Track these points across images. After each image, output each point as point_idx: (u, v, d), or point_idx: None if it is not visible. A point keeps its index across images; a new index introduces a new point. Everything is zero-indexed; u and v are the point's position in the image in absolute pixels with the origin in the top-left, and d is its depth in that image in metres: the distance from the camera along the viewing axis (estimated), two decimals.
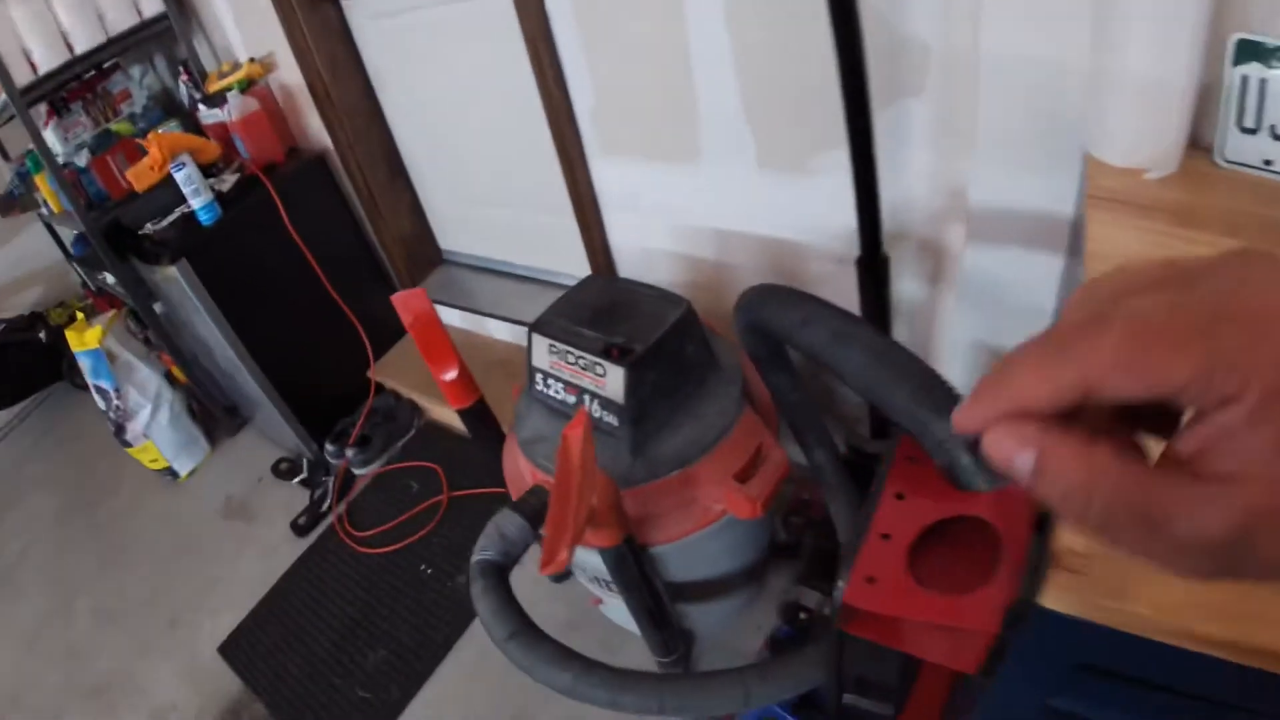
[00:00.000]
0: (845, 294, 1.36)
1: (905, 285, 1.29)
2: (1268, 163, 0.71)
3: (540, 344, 1.13)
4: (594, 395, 1.08)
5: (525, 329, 1.98)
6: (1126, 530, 0.21)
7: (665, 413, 1.10)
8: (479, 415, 1.27)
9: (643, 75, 1.25)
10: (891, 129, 1.12)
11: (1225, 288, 0.21)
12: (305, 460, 2.08)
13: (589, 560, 1.23)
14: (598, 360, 1.05)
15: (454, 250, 2.22)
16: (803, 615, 1.19)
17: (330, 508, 1.98)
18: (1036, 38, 0.91)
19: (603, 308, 1.14)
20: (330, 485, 2.02)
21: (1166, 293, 0.21)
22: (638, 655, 1.56)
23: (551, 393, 1.14)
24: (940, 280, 1.24)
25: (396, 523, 1.92)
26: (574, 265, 1.86)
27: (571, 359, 1.09)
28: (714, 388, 1.16)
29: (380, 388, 2.19)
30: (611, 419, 1.07)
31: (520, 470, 1.23)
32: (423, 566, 1.81)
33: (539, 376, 1.16)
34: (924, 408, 0.67)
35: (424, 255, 2.19)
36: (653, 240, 1.52)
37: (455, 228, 2.13)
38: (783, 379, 1.19)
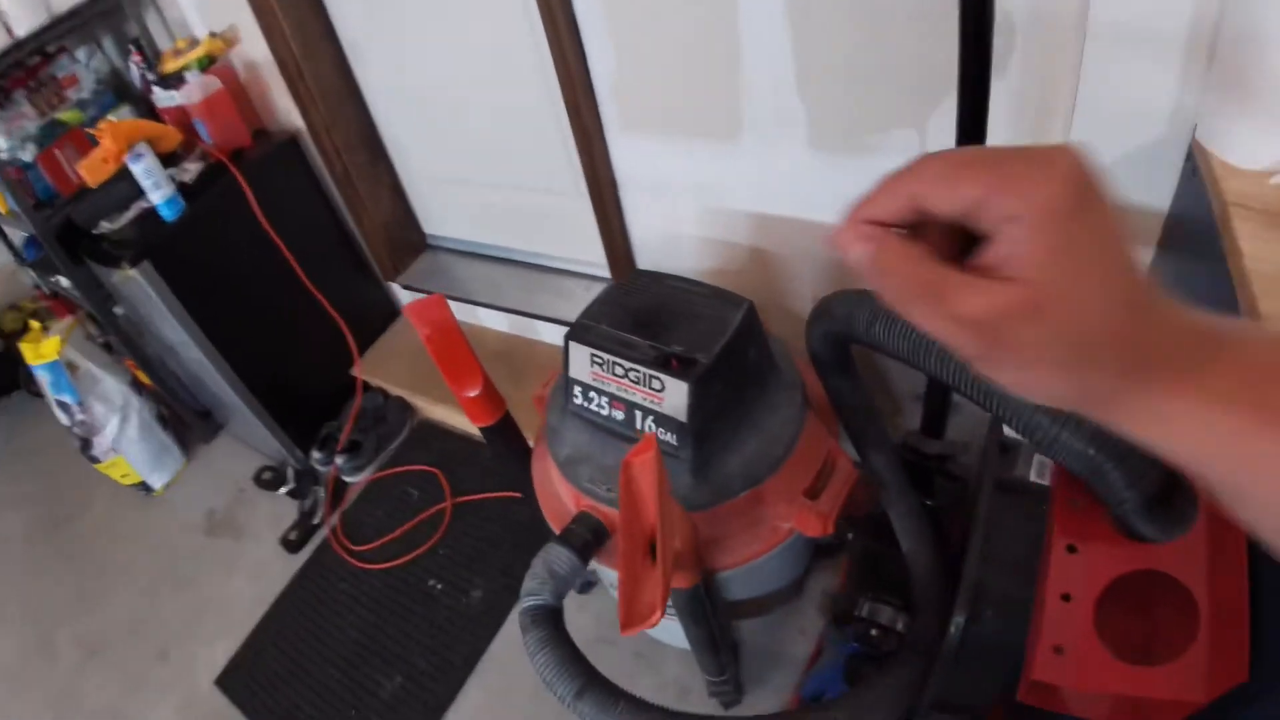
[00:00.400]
0: None
1: None
2: None
3: (580, 354, 1.00)
4: (648, 411, 0.96)
5: (525, 319, 1.88)
6: (917, 304, 0.28)
7: (728, 427, 0.99)
8: (504, 431, 1.15)
9: (677, 40, 1.11)
10: None
11: (1028, 149, 0.26)
12: (290, 469, 1.92)
13: None
14: (655, 373, 0.93)
15: (440, 235, 2.06)
16: (874, 632, 1.10)
17: (323, 520, 1.84)
18: (1152, 15, 0.81)
19: (649, 310, 1.01)
20: (320, 496, 1.88)
21: (985, 149, 0.28)
22: (675, 669, 1.46)
23: (594, 408, 1.02)
24: None
25: (397, 534, 1.79)
26: (581, 249, 1.73)
27: (620, 371, 0.96)
28: (775, 394, 1.05)
29: (367, 386, 2.04)
30: (670, 438, 0.95)
31: (558, 493, 1.11)
32: (431, 581, 1.69)
33: (578, 389, 1.03)
34: (1102, 453, 0.57)
35: (407, 241, 2.02)
36: (679, 225, 1.39)
37: (442, 211, 1.97)
38: (844, 382, 1.09)
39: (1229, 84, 0.77)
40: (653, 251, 1.49)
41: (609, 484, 1.00)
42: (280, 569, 1.80)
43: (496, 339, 2.05)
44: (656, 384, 0.93)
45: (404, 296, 2.11)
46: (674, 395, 0.93)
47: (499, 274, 1.97)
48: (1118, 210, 0.27)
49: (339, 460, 1.86)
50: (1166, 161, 0.90)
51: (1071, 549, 0.61)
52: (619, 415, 1.00)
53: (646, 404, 0.96)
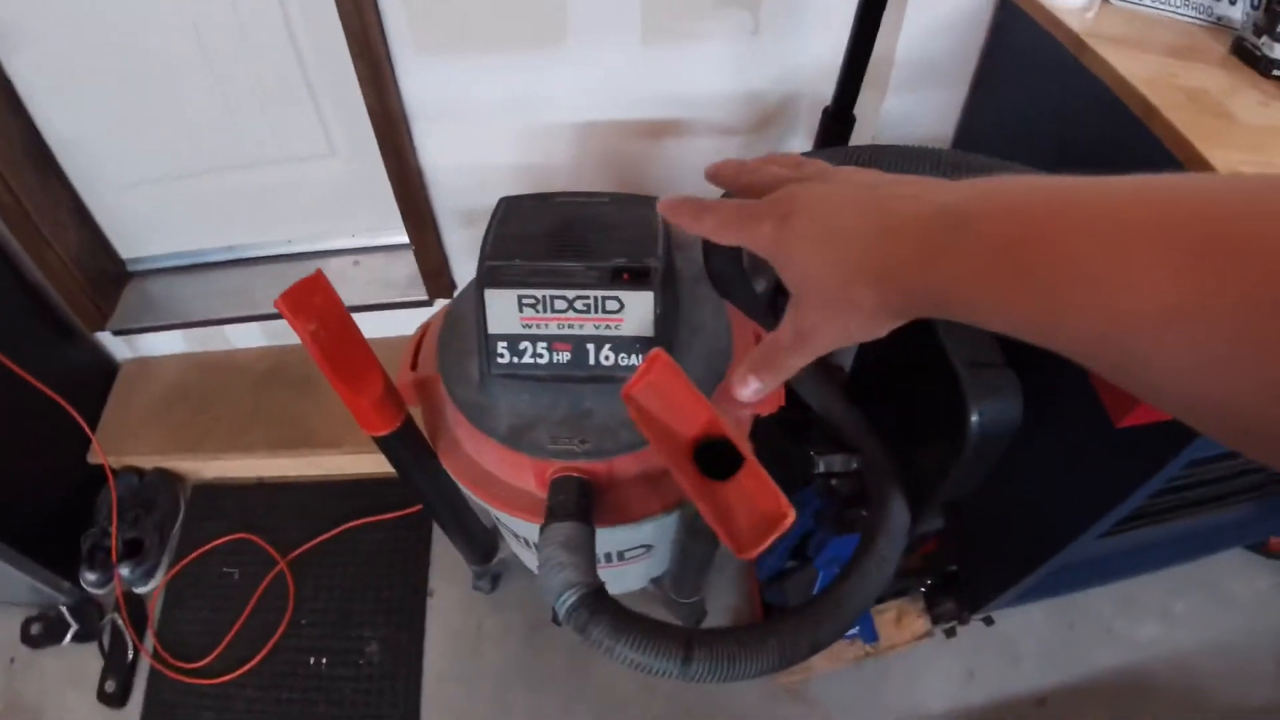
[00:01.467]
0: None
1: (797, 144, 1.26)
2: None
3: (501, 301, 0.85)
4: (604, 340, 0.85)
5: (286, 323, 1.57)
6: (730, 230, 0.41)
7: (681, 332, 0.92)
8: (407, 434, 0.95)
9: None
10: None
11: (776, 198, 0.39)
12: (63, 608, 1.43)
13: (618, 537, 1.03)
14: (609, 293, 0.82)
15: (146, 256, 1.63)
16: (834, 482, 1.14)
17: (137, 652, 1.41)
18: None
19: (558, 231, 0.88)
20: (118, 624, 1.43)
21: (738, 200, 0.41)
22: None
23: (529, 360, 0.88)
24: None
25: (239, 627, 1.44)
26: (343, 220, 1.52)
27: (562, 305, 0.83)
28: (693, 287, 1.00)
29: (115, 470, 1.57)
30: (634, 360, 0.86)
31: (503, 477, 0.95)
32: (311, 660, 1.41)
33: (502, 347, 0.88)
34: None
35: (106, 275, 1.57)
36: (489, 154, 1.23)
37: (142, 225, 1.56)
38: (730, 266, 1.09)
39: None
40: (456, 193, 1.31)
41: (580, 435, 0.88)
42: None
43: (261, 358, 1.72)
44: (613, 305, 0.82)
45: (116, 346, 1.66)
46: (636, 311, 0.83)
47: (238, 280, 1.64)
48: (830, 204, 0.36)
49: (122, 572, 1.42)
50: (982, 12, 1.02)
51: None
52: (564, 357, 0.87)
53: (602, 332, 0.85)
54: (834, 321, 0.36)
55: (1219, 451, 0.79)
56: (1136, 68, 0.83)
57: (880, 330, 0.36)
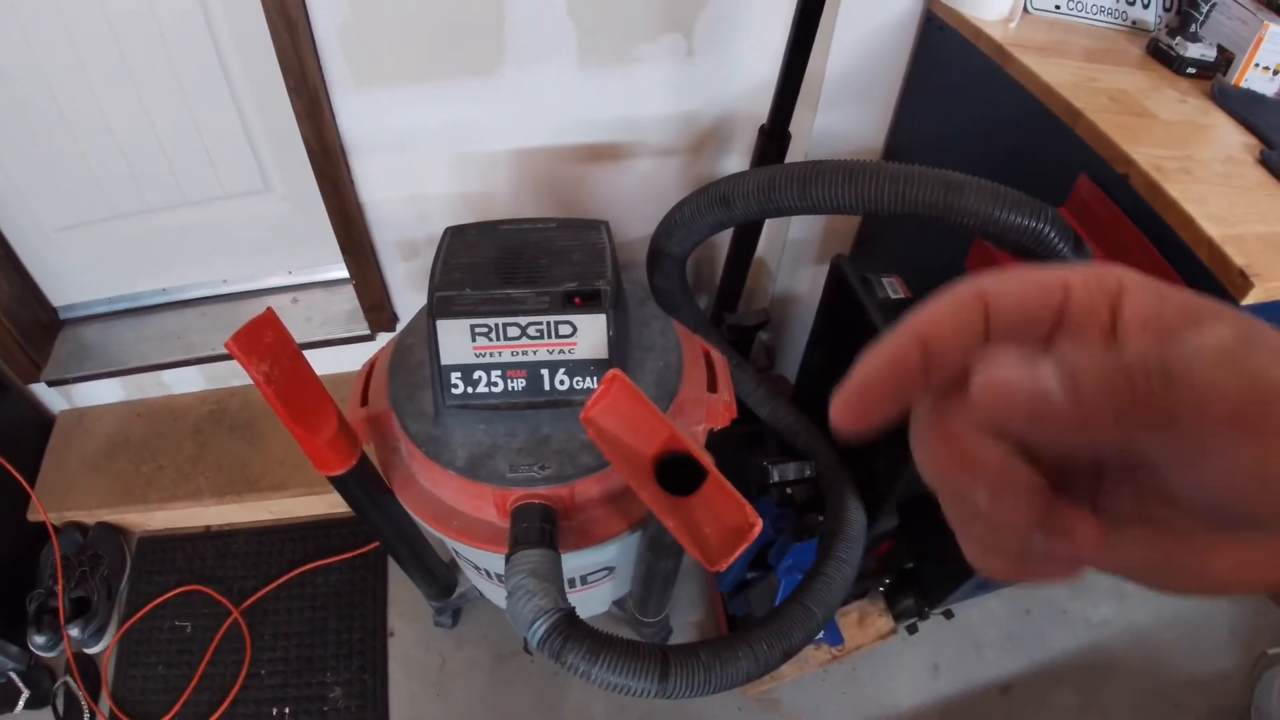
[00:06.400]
0: (667, 189, 1.30)
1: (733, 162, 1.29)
2: (1057, 7, 1.05)
3: (454, 331, 0.85)
4: (559, 365, 0.85)
5: (227, 364, 1.54)
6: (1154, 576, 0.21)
7: (632, 352, 0.93)
8: (363, 472, 0.93)
9: None
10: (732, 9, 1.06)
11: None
12: (13, 674, 1.35)
13: (582, 561, 1.03)
14: (561, 318, 0.82)
15: (79, 302, 1.57)
16: (789, 490, 1.16)
17: (93, 714, 1.35)
18: None
19: (508, 259, 0.88)
20: (71, 686, 1.36)
21: None
22: None
23: (484, 389, 0.88)
24: None
25: (195, 682, 1.39)
26: (279, 258, 1.51)
27: (514, 332, 0.84)
28: (640, 308, 1.01)
29: (57, 527, 1.51)
30: (590, 382, 0.87)
31: (463, 509, 0.94)
32: (274, 710, 1.37)
33: (456, 377, 0.88)
34: (1041, 221, 0.66)
35: (38, 323, 1.51)
36: (428, 185, 1.23)
37: (76, 270, 1.50)
38: (682, 296, 1.11)
39: None
40: (396, 225, 1.30)
41: (539, 461, 0.88)
42: None
43: (200, 403, 1.67)
44: (566, 329, 0.83)
45: (51, 398, 1.59)
46: (590, 334, 0.83)
47: (173, 323, 1.60)
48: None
49: (71, 632, 1.36)
50: (907, 29, 1.06)
51: None
52: (519, 384, 0.87)
53: (556, 357, 0.85)
54: None
55: None
56: (1059, 74, 0.87)
57: None
